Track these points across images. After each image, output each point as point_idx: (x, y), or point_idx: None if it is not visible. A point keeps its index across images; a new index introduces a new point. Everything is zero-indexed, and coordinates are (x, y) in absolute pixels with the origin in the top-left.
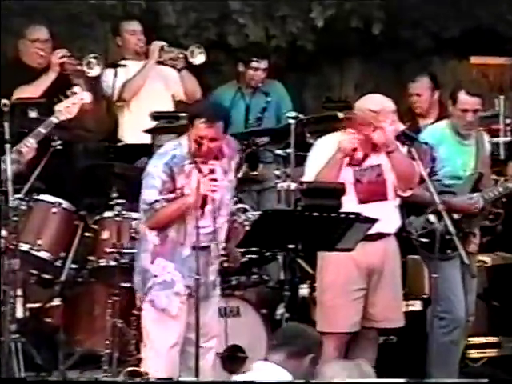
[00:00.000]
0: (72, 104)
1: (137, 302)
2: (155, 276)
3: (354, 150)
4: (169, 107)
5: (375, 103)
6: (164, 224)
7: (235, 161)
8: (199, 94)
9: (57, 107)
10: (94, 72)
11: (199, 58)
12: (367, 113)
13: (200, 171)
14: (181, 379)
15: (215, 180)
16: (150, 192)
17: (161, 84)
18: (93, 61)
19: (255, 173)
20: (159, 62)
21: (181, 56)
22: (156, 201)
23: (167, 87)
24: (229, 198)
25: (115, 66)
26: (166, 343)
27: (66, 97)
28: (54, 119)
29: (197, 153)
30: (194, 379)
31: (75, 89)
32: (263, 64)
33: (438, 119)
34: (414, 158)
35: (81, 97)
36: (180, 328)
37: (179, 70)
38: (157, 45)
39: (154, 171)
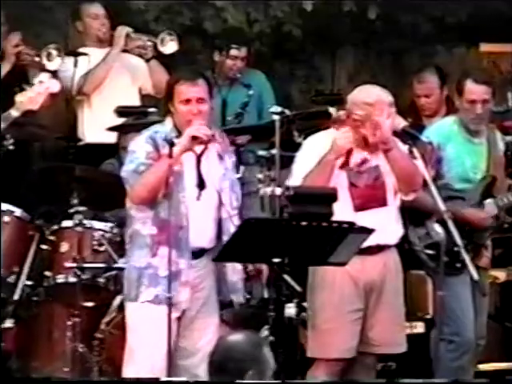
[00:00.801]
0: (38, 94)
1: (101, 324)
2: (156, 270)
3: (349, 150)
4: (135, 102)
5: (370, 95)
6: (154, 189)
7: (229, 154)
8: None
9: (19, 97)
10: (53, 65)
11: (170, 47)
12: (361, 106)
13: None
14: (178, 379)
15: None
16: (131, 161)
17: (127, 76)
18: (53, 52)
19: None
20: (125, 51)
21: (149, 44)
22: (141, 163)
23: (134, 79)
24: (229, 190)
25: (75, 54)
26: (162, 345)
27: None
28: (13, 112)
29: (187, 119)
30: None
31: (41, 76)
32: (243, 52)
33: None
34: (416, 158)
35: (47, 85)
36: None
37: (147, 61)
38: (122, 31)
39: (136, 146)
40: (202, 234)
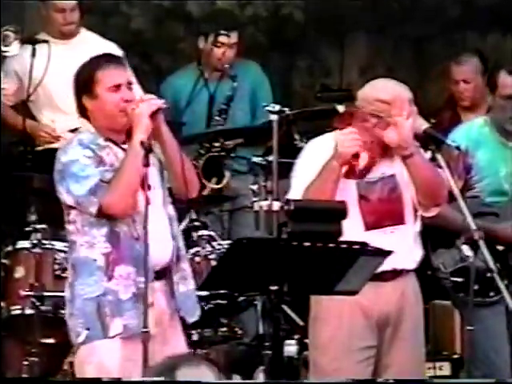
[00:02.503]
0: None
1: (63, 364)
2: (117, 294)
3: (356, 155)
4: None
5: (386, 91)
6: (130, 191)
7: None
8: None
9: None
10: (11, 50)
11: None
12: (376, 104)
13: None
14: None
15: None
16: (84, 173)
17: None
18: (10, 35)
19: (219, 186)
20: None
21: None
22: (105, 171)
23: None
24: (161, 183)
25: (33, 41)
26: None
27: None
28: None
29: (120, 108)
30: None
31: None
32: (233, 38)
33: None
34: (440, 167)
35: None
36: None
37: None
38: None
39: (71, 156)
40: (161, 250)
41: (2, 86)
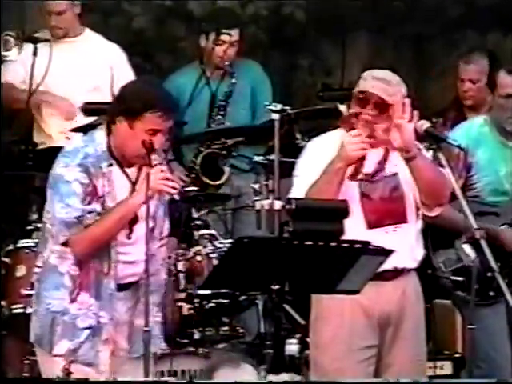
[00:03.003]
0: None
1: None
2: (74, 319)
3: (362, 158)
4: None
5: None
6: (100, 245)
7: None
8: None
9: None
10: (11, 55)
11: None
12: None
13: (148, 164)
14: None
15: (167, 179)
16: (69, 201)
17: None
18: (10, 40)
19: (219, 182)
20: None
21: None
22: (88, 212)
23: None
24: (162, 216)
25: (35, 40)
26: None
27: None
28: None
29: (142, 152)
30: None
31: None
32: (234, 36)
33: None
34: (442, 166)
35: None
36: None
37: None
38: None
39: (68, 174)
40: (130, 271)
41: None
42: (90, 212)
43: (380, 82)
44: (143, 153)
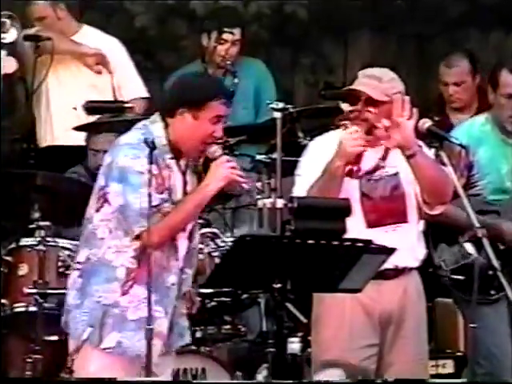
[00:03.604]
0: None
1: (67, 362)
2: (124, 311)
3: (360, 155)
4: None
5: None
6: (174, 235)
7: None
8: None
9: None
10: (9, 37)
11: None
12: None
13: (214, 158)
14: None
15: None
16: (144, 191)
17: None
18: (7, 21)
19: None
20: None
21: None
22: (164, 201)
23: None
24: None
25: (37, 38)
26: None
27: None
28: None
29: (211, 138)
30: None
31: None
32: (236, 35)
33: (480, 113)
34: (444, 164)
35: (4, 64)
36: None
37: None
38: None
39: (138, 165)
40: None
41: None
42: (166, 201)
43: (370, 80)
44: (205, 143)
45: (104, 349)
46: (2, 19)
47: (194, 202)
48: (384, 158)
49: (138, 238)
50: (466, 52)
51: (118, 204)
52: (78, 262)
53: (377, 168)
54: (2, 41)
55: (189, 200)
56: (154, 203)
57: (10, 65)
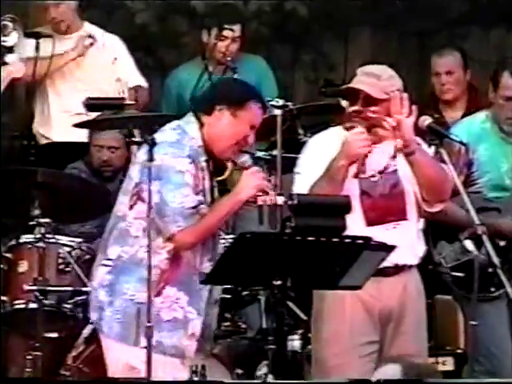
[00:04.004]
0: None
1: (67, 359)
2: (158, 312)
3: (366, 156)
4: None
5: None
6: (208, 236)
7: None
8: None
9: None
10: (10, 40)
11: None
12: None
13: (244, 167)
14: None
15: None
16: (184, 191)
17: (105, 66)
18: (9, 25)
19: (220, 178)
20: None
21: None
22: (200, 202)
23: (113, 71)
24: None
25: (37, 35)
26: None
27: None
28: None
29: (245, 141)
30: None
31: (8, 57)
32: (236, 31)
33: (470, 111)
34: (443, 161)
35: (11, 68)
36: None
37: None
38: (87, 41)
39: (179, 164)
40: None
41: (12, 75)
42: (202, 203)
43: (369, 77)
44: (239, 145)
45: (143, 347)
46: (5, 22)
47: (228, 208)
48: (394, 156)
49: (169, 239)
50: (457, 48)
51: (154, 202)
52: (107, 259)
53: (387, 167)
54: (3, 44)
55: (223, 204)
56: (193, 204)
57: (18, 69)
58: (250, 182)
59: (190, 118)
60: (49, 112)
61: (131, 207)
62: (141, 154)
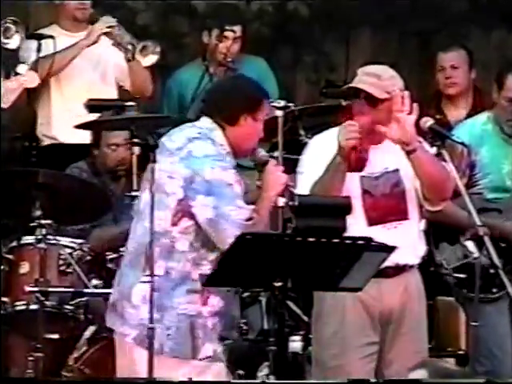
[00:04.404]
0: (11, 89)
1: (69, 360)
2: (206, 322)
3: (355, 147)
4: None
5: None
6: None
7: None
8: (150, 86)
9: None
10: (12, 43)
11: (149, 60)
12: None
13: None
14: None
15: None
16: (239, 203)
17: (96, 74)
18: (11, 27)
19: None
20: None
21: (129, 48)
22: (247, 210)
23: (105, 76)
24: None
25: (39, 36)
26: None
27: None
28: None
29: (254, 142)
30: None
31: (20, 68)
32: (237, 32)
33: (474, 112)
34: (445, 161)
35: (25, 79)
36: None
37: (128, 61)
38: (102, 27)
39: (227, 176)
40: None
41: (26, 84)
42: (247, 210)
43: (369, 77)
44: (256, 144)
45: (202, 359)
46: (7, 25)
47: (267, 210)
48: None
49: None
50: (463, 46)
51: (205, 217)
52: (150, 275)
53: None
54: (5, 46)
55: (264, 208)
56: (248, 215)
57: (32, 79)
58: (276, 179)
59: (207, 124)
60: (50, 112)
61: (175, 223)
62: (181, 169)
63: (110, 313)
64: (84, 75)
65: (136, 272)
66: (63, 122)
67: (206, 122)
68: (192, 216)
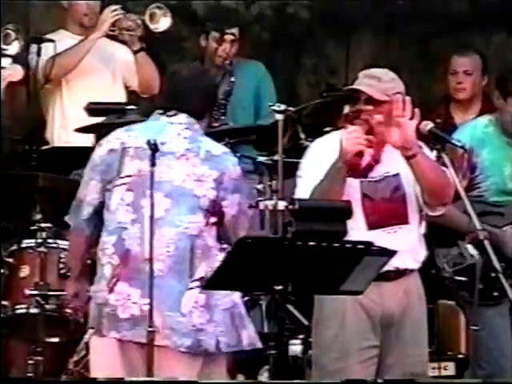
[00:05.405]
0: None
1: (69, 364)
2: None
3: (360, 154)
4: (118, 99)
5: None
6: None
7: None
8: (157, 84)
9: None
10: (12, 49)
11: (163, 23)
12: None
13: None
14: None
15: None
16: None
17: (107, 70)
18: (11, 33)
19: None
20: (112, 37)
21: (139, 22)
22: None
23: (115, 75)
24: None
25: (39, 40)
26: None
27: None
28: None
29: None
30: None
31: (3, 62)
32: (235, 35)
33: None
34: (445, 166)
35: (10, 72)
36: None
37: (135, 52)
38: (110, 15)
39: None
40: None
41: (9, 78)
42: None
43: (370, 80)
44: None
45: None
46: (7, 31)
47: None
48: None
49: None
50: (478, 51)
51: (231, 215)
52: (195, 280)
53: (369, 166)
54: (4, 52)
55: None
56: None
57: (16, 73)
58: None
59: (187, 119)
60: (64, 115)
61: (207, 223)
62: (205, 170)
63: (134, 326)
64: (96, 76)
65: (181, 279)
66: (78, 125)
67: (191, 123)
68: (217, 213)
